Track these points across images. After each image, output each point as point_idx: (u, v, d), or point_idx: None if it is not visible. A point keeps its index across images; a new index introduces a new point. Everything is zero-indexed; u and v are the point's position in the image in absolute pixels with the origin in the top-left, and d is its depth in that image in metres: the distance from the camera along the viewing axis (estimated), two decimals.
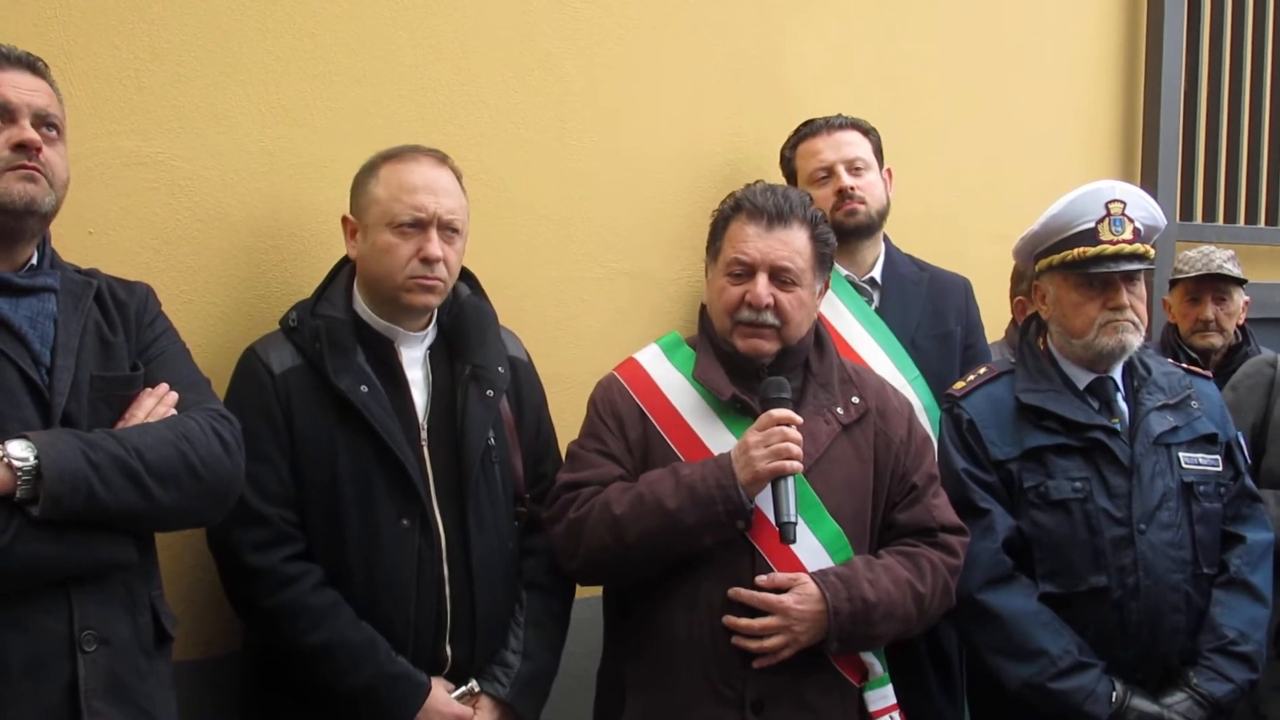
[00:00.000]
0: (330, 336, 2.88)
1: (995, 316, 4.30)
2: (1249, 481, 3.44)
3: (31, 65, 2.48)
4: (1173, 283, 4.93)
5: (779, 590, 2.85)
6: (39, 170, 2.44)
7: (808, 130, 3.89)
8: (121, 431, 2.41)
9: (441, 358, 3.03)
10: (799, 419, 2.88)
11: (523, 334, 3.30)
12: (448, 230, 2.93)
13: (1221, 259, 4.76)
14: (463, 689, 2.94)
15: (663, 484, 2.87)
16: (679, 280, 3.99)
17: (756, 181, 3.11)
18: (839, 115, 3.88)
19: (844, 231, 3.69)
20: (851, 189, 3.75)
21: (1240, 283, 4.76)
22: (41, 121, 2.46)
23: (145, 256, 2.97)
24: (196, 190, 3.06)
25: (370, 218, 2.91)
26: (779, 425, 2.84)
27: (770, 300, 2.95)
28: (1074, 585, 3.19)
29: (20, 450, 2.26)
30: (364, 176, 2.97)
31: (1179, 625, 3.20)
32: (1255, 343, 4.84)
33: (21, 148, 2.41)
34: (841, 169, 3.78)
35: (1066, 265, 3.28)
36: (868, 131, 3.89)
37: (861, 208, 3.77)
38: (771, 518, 2.83)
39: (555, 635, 3.12)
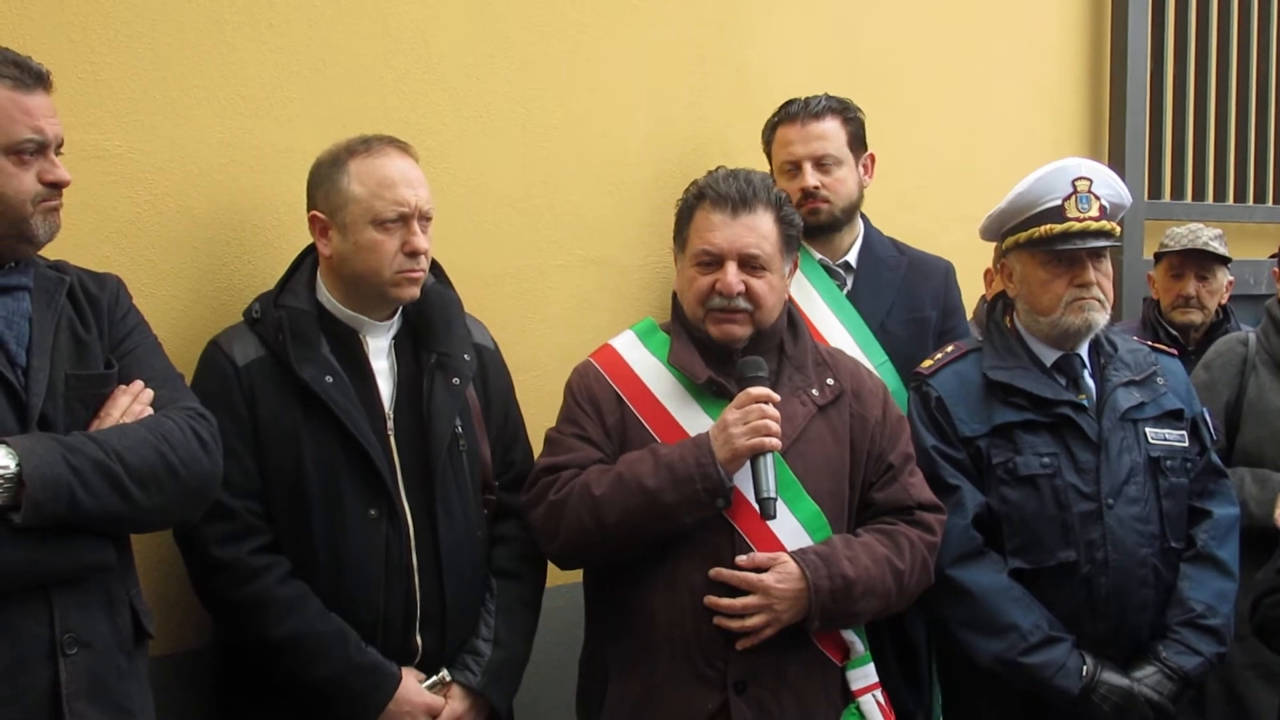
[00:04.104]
0: (294, 327, 2.87)
1: (968, 299, 4.30)
2: (1214, 457, 3.46)
3: (48, 84, 2.47)
4: (1158, 257, 4.94)
5: (759, 570, 2.86)
6: (60, 203, 2.48)
7: (785, 114, 3.83)
8: (101, 434, 2.40)
9: (407, 347, 3.02)
10: (777, 397, 2.89)
11: (489, 322, 3.29)
12: (425, 220, 2.93)
13: (1208, 236, 4.78)
14: (434, 678, 2.93)
15: (642, 464, 2.87)
16: (645, 266, 3.99)
17: (718, 167, 3.10)
18: (821, 98, 3.82)
19: (807, 228, 3.67)
20: (816, 188, 3.72)
21: (1225, 261, 4.77)
22: (58, 149, 2.47)
23: (105, 250, 2.94)
24: (156, 183, 3.04)
25: (349, 216, 2.88)
26: (757, 403, 2.85)
27: (741, 288, 2.95)
28: (1043, 560, 3.21)
29: (1, 457, 2.25)
30: (330, 172, 2.92)
31: (1147, 599, 3.22)
32: (1236, 321, 4.85)
33: (54, 185, 2.44)
34: (808, 166, 3.74)
35: (1033, 242, 3.29)
36: (849, 118, 3.83)
37: (824, 206, 3.74)
38: (750, 498, 2.85)
39: (526, 623, 3.12)
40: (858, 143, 3.85)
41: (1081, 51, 5.69)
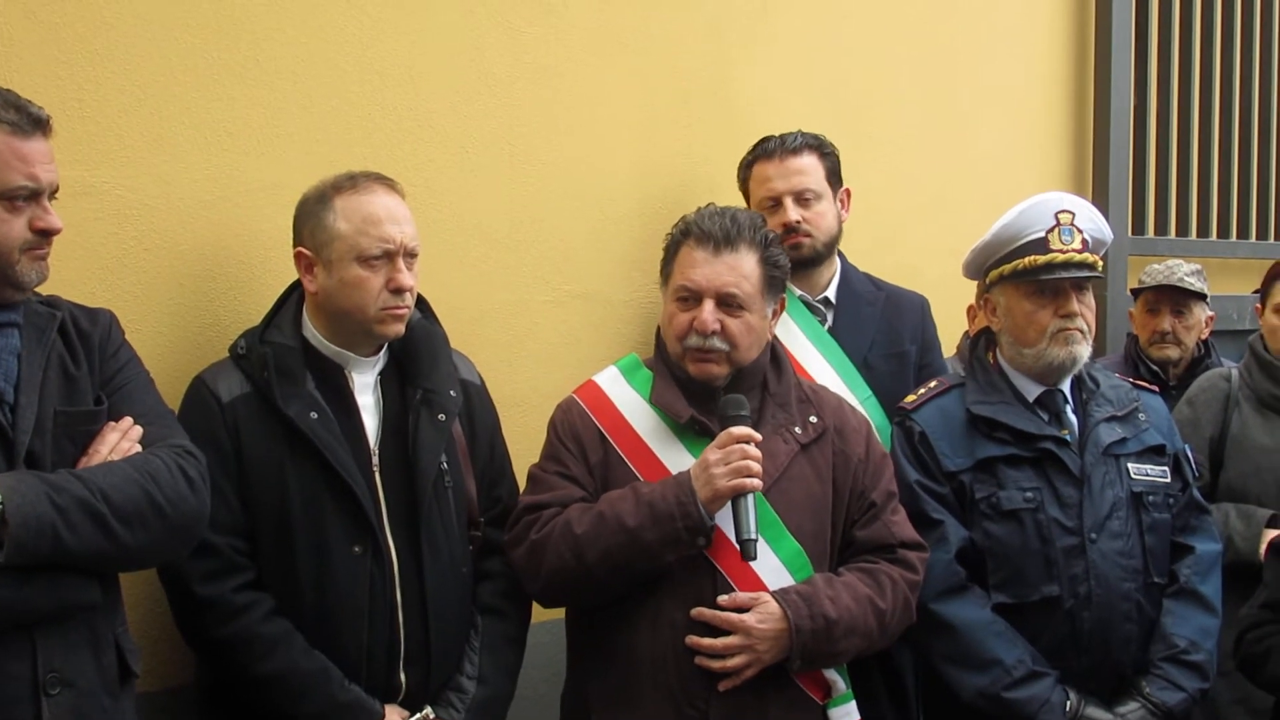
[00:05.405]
0: (279, 363, 2.87)
1: (949, 333, 4.32)
2: (1196, 493, 3.47)
3: (47, 129, 2.45)
4: (1135, 293, 4.97)
5: (741, 609, 2.86)
6: (49, 249, 2.47)
7: (762, 151, 3.85)
8: (86, 472, 2.39)
9: (393, 382, 3.02)
10: (758, 436, 2.89)
11: (475, 357, 3.29)
12: (411, 257, 2.93)
13: (1184, 272, 4.79)
14: (417, 716, 2.92)
15: (623, 502, 2.87)
16: (630, 302, 4.00)
17: (708, 204, 3.11)
18: (796, 134, 3.84)
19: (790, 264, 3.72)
20: (798, 223, 3.73)
21: (1201, 297, 4.79)
22: (52, 195, 2.47)
23: (91, 286, 2.95)
24: (143, 219, 3.04)
25: (334, 252, 2.88)
26: (739, 443, 2.85)
27: (716, 326, 2.95)
28: (1026, 595, 3.21)
29: None
30: (315, 208, 2.92)
31: (1131, 634, 3.23)
32: (1218, 357, 4.86)
33: (44, 232, 2.43)
34: (789, 201, 3.75)
35: (1018, 274, 3.31)
36: (825, 153, 3.85)
37: (807, 241, 3.74)
38: (732, 537, 2.84)
39: (511, 660, 3.11)
40: (835, 178, 3.87)
41: (1065, 88, 5.73)
